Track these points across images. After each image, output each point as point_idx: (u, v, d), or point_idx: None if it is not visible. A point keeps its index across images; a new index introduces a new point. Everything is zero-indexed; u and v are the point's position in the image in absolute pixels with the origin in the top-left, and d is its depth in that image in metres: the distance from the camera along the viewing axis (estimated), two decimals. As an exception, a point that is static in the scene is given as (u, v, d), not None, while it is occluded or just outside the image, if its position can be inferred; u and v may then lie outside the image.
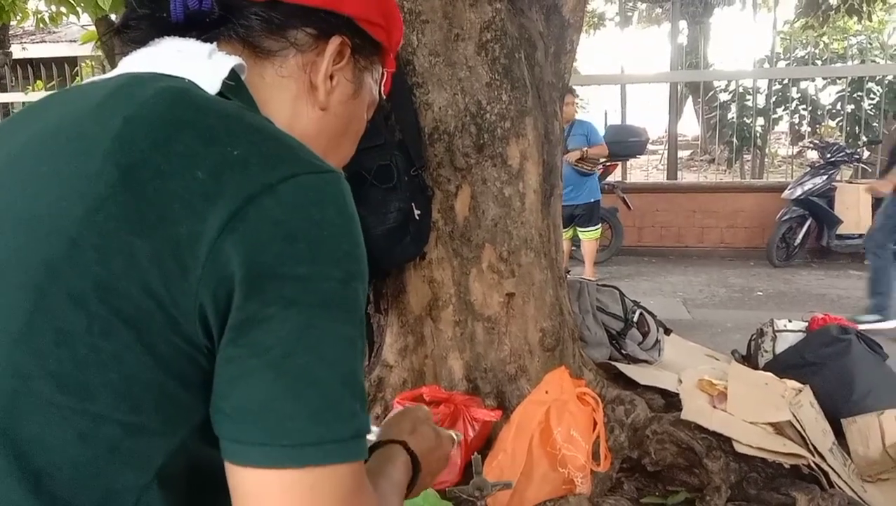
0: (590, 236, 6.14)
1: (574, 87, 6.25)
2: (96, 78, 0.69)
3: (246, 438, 0.53)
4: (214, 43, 0.67)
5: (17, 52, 10.96)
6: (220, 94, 0.64)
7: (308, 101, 0.72)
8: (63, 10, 5.88)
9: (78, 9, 5.66)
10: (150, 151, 0.55)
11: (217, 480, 0.59)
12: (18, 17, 6.03)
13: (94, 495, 0.54)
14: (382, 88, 0.83)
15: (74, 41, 10.19)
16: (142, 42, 0.69)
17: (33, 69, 9.56)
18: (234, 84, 0.65)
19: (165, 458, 0.55)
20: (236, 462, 0.53)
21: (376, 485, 0.67)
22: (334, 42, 0.72)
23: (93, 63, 9.81)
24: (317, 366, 0.53)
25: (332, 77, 0.73)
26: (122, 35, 0.71)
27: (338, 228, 0.57)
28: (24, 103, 9.04)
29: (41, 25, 6.59)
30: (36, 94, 9.10)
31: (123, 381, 0.53)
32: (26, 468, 0.53)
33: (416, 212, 2.28)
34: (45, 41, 12.07)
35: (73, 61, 9.54)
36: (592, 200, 6.02)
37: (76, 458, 0.53)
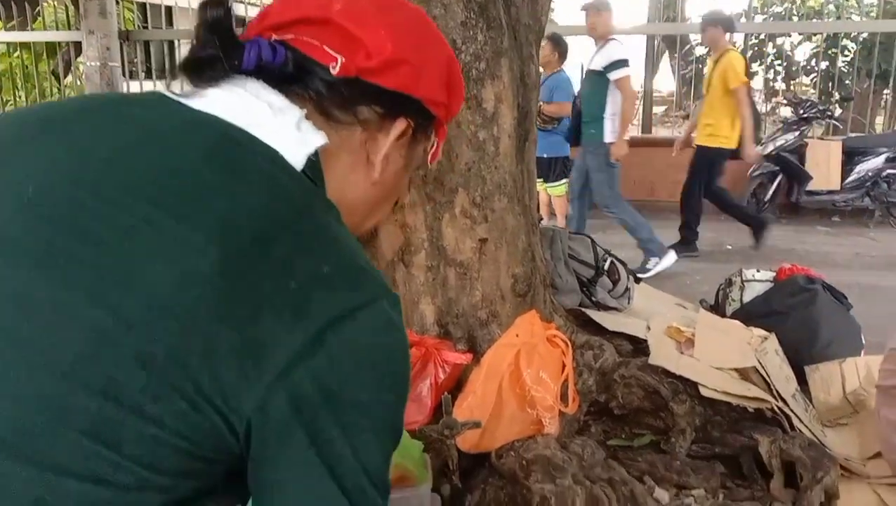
0: (556, 192, 6.13)
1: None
2: (172, 96, 0.68)
3: None
4: (303, 111, 0.68)
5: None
6: (303, 170, 0.66)
7: (361, 173, 0.74)
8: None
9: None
10: (251, 245, 0.56)
11: None
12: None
13: None
14: (430, 158, 0.84)
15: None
16: (216, 81, 0.69)
17: (-8, 7, 9.20)
18: (314, 160, 0.67)
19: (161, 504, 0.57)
20: None
21: None
22: (400, 125, 0.73)
23: (56, 3, 9.47)
24: (366, 483, 0.59)
25: (387, 155, 0.74)
26: (192, 72, 0.69)
27: (397, 352, 0.61)
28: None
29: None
30: (-4, 34, 8.78)
31: (154, 442, 0.54)
32: (36, 492, 0.53)
33: (389, 154, 2.25)
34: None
35: (34, 2, 9.17)
36: (557, 156, 5.95)
37: (84, 495, 0.54)
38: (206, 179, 0.60)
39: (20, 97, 8.89)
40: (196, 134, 0.63)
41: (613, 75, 4.94)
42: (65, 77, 9.02)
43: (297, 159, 0.65)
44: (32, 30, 8.69)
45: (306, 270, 0.57)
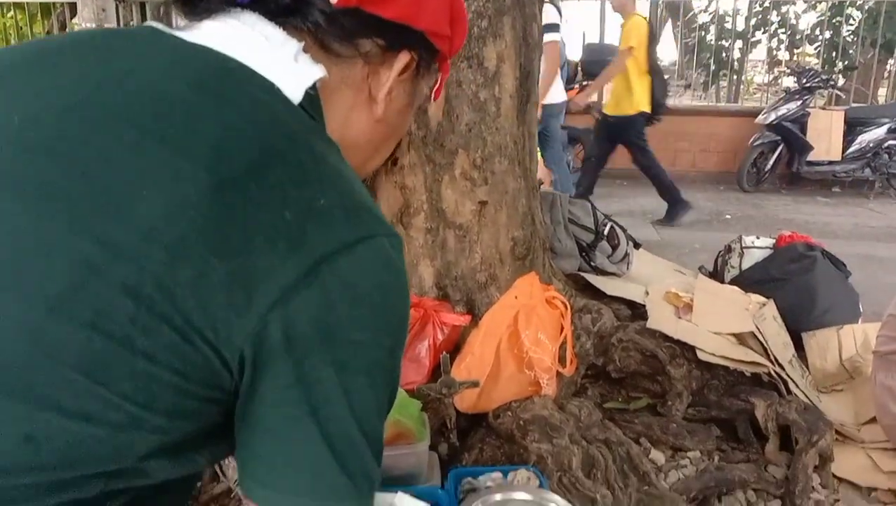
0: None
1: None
2: (162, 28, 0.65)
3: (279, 485, 0.55)
4: (301, 43, 0.65)
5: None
6: (300, 104, 0.63)
7: (364, 110, 0.71)
8: None
9: None
10: (245, 173, 0.54)
11: (184, 483, 0.64)
12: None
13: (72, 471, 0.54)
14: (434, 94, 0.82)
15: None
16: (209, 13, 0.66)
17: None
18: (313, 94, 0.65)
19: (151, 451, 0.56)
20: (261, 503, 0.57)
21: None
22: (403, 59, 0.70)
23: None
24: (355, 430, 0.57)
25: (390, 90, 0.72)
26: (185, 4, 0.67)
27: (396, 293, 0.58)
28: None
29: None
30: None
31: (146, 377, 0.52)
32: (25, 428, 0.52)
33: (389, 113, 2.22)
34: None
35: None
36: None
37: (73, 433, 0.53)
38: (197, 107, 0.57)
39: (15, 58, 8.75)
40: (187, 64, 0.61)
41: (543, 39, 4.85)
42: (60, 38, 8.87)
43: (294, 93, 0.63)
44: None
45: (302, 201, 0.55)
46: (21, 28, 8.76)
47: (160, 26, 0.65)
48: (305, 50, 0.65)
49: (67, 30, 8.82)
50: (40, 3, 8.73)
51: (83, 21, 7.49)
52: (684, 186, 7.34)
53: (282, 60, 0.63)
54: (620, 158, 7.85)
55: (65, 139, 0.55)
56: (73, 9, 7.82)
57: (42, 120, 0.56)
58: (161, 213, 0.52)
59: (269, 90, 0.61)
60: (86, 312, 0.51)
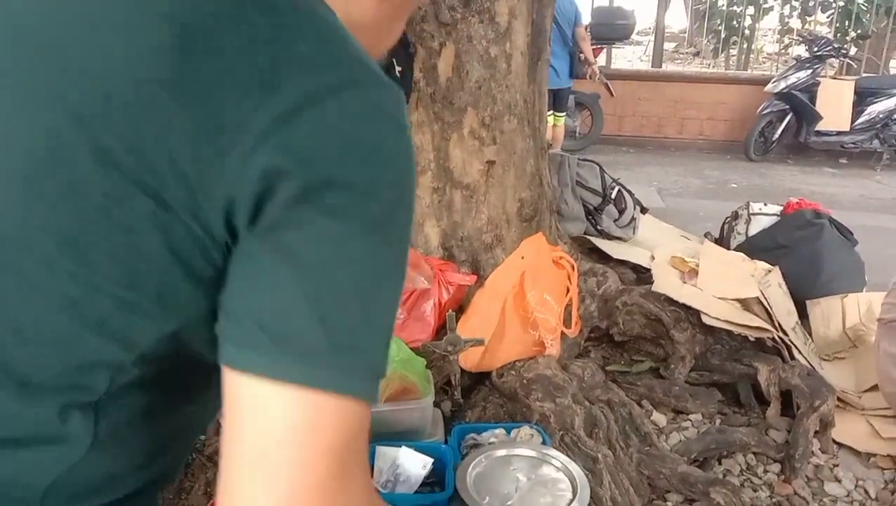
0: (552, 122, 6.00)
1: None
2: None
3: (251, 342, 0.48)
4: None
5: None
6: None
7: None
8: None
9: None
10: (212, 18, 0.50)
11: (195, 382, 0.58)
12: None
13: (66, 366, 0.51)
14: None
15: None
16: None
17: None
18: None
19: (152, 343, 0.52)
20: (239, 368, 0.48)
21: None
22: None
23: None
24: (347, 288, 0.49)
25: None
26: None
27: (394, 147, 0.51)
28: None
29: None
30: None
31: (127, 253, 0.49)
32: (11, 318, 0.50)
33: (397, 69, 2.19)
34: None
35: None
36: (555, 88, 5.75)
37: (61, 323, 0.50)
38: None
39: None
40: None
41: None
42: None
43: None
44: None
45: (278, 46, 0.50)
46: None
47: None
48: None
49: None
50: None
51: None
52: (692, 155, 7.31)
53: None
54: (627, 125, 7.80)
55: (25, 11, 0.52)
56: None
57: None
58: (122, 67, 0.49)
59: None
60: (59, 185, 0.48)
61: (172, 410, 0.59)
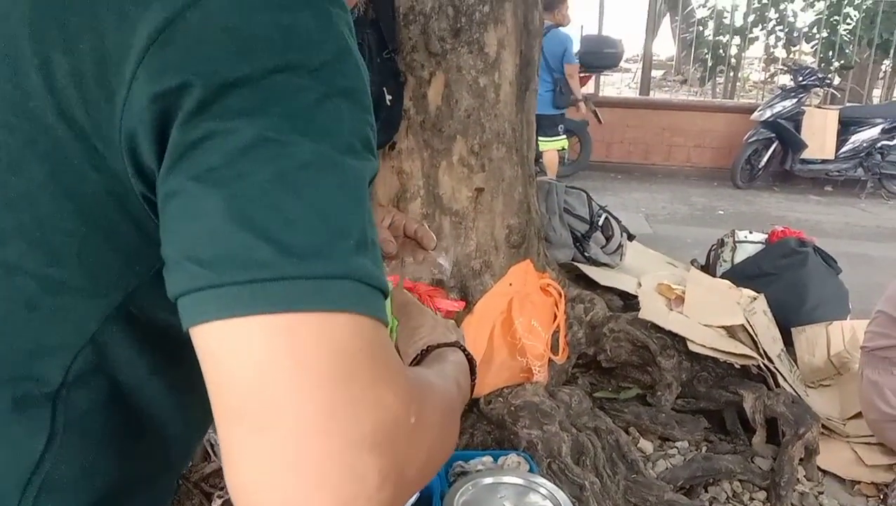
0: (549, 147, 6.07)
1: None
2: None
3: (192, 284, 0.39)
4: None
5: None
6: None
7: None
8: None
9: None
10: None
11: (169, 361, 0.51)
12: None
13: (6, 355, 0.47)
14: None
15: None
16: None
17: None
18: None
19: (100, 323, 0.47)
20: (190, 322, 0.40)
21: (416, 371, 0.55)
22: None
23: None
24: (279, 187, 0.40)
25: None
26: None
27: (315, 35, 0.43)
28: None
29: None
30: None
31: (37, 226, 0.44)
32: None
33: (388, 97, 2.21)
34: None
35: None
36: (542, 113, 5.80)
37: None
38: None
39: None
40: None
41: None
42: None
43: None
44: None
45: None
46: None
47: None
48: None
49: None
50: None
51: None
52: (679, 182, 7.38)
53: None
54: (615, 152, 7.88)
55: None
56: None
57: None
58: None
59: None
60: None
61: (147, 396, 0.52)
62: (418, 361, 0.68)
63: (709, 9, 9.94)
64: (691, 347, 2.28)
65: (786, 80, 7.71)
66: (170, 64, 0.41)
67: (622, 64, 8.79)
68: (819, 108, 7.29)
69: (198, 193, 0.40)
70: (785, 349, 2.65)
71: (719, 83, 10.36)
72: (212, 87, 0.40)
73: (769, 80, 9.56)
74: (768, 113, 6.87)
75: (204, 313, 0.39)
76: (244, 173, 0.40)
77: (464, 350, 0.71)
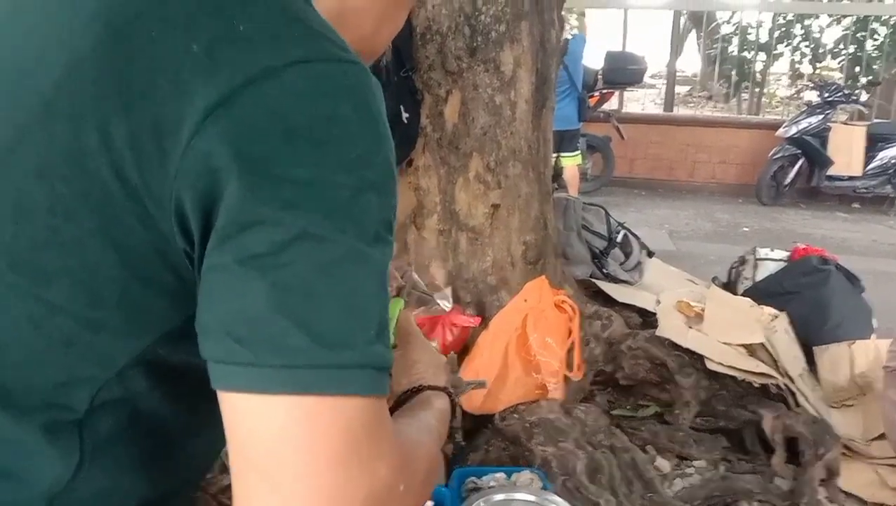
0: (568, 162, 6.07)
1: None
2: None
3: (230, 358, 0.44)
4: None
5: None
6: None
7: None
8: None
9: None
10: (145, 11, 0.47)
11: (190, 393, 0.54)
12: None
13: (40, 385, 0.50)
14: None
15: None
16: None
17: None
18: None
19: (130, 360, 0.50)
20: (222, 387, 0.45)
21: (403, 431, 0.59)
22: None
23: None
24: (318, 284, 0.44)
25: None
26: None
27: (353, 126, 0.47)
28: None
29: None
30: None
31: (83, 271, 0.47)
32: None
33: (405, 115, 2.24)
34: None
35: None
36: (563, 129, 5.78)
37: (27, 343, 0.49)
38: None
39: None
40: None
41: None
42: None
43: None
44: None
45: (213, 29, 0.46)
46: None
47: None
48: None
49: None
50: None
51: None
52: (703, 198, 7.32)
53: None
54: (639, 167, 7.85)
55: None
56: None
57: None
58: (58, 78, 0.47)
59: None
60: (5, 207, 0.48)
61: (167, 421, 0.56)
62: (407, 396, 0.74)
63: (733, 25, 9.92)
64: (709, 365, 2.26)
65: (812, 96, 7.63)
66: (221, 141, 0.44)
67: (646, 80, 8.78)
68: (846, 124, 7.20)
69: (242, 276, 0.44)
70: (807, 368, 2.61)
71: (744, 99, 10.29)
72: (257, 174, 0.44)
73: (795, 95, 9.48)
74: (794, 129, 6.80)
75: (236, 383, 0.45)
76: (285, 264, 0.44)
77: (450, 395, 0.76)
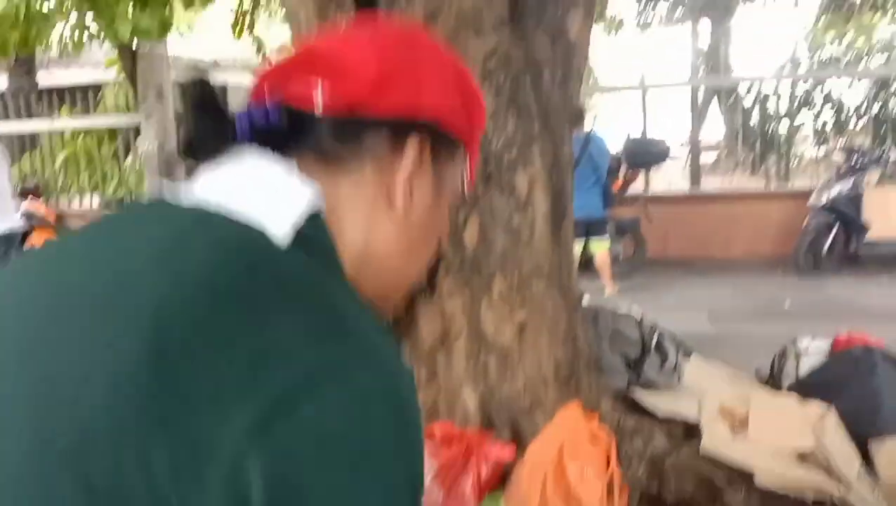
0: (597, 249, 6.08)
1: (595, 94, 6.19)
2: (166, 201, 0.62)
3: None
4: (297, 164, 0.61)
5: (44, 77, 11.17)
6: (301, 231, 0.57)
7: (384, 215, 0.64)
8: (85, 36, 6.03)
9: (98, 38, 5.79)
10: (188, 329, 0.49)
11: None
12: (43, 46, 6.20)
13: None
14: (468, 178, 0.72)
15: (100, 64, 10.38)
16: (211, 158, 0.63)
17: (59, 97, 9.74)
18: (316, 218, 0.59)
19: None
20: None
21: None
22: (412, 145, 0.64)
23: (116, 88, 9.98)
24: None
25: (409, 184, 0.64)
26: (190, 155, 0.65)
27: (393, 446, 0.49)
28: (49, 131, 9.23)
29: (64, 54, 6.73)
30: (61, 121, 9.28)
31: None
32: None
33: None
34: (69, 67, 12.33)
35: (97, 88, 9.70)
36: (588, 217, 5.76)
37: None
38: (144, 271, 0.54)
39: (83, 180, 9.32)
40: (164, 225, 0.58)
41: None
42: (125, 159, 9.42)
43: (281, 226, 0.56)
44: (95, 114, 9.21)
45: (254, 339, 0.48)
46: (89, 151, 9.34)
47: (166, 197, 0.63)
48: (305, 168, 0.61)
49: (132, 151, 9.35)
50: (107, 129, 9.33)
51: (146, 142, 7.96)
52: (741, 273, 7.19)
53: (275, 192, 0.59)
54: (672, 246, 7.77)
55: (40, 339, 0.54)
56: (138, 130, 8.34)
57: (24, 324, 0.56)
58: (101, 400, 0.49)
59: (240, 230, 0.56)
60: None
61: None
62: None
63: (753, 94, 9.97)
64: (758, 482, 2.16)
65: (840, 157, 7.56)
66: (256, 466, 0.45)
67: (672, 152, 8.80)
68: (880, 185, 7.09)
69: None
70: (864, 464, 2.48)
71: (772, 165, 10.23)
72: (292, 497, 0.45)
73: (824, 158, 9.41)
74: (825, 197, 6.72)
75: None
76: None
77: None
